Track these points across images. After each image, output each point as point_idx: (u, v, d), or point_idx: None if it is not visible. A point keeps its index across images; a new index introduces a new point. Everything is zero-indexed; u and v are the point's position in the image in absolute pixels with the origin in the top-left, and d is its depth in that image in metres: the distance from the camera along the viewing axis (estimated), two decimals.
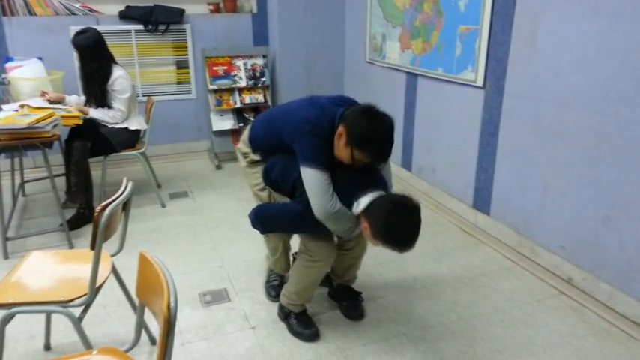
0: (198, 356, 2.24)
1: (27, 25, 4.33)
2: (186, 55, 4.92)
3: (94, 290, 1.88)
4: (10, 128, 2.88)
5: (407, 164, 4.26)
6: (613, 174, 2.44)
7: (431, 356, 2.23)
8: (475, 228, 3.42)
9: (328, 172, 2.03)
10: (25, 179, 4.06)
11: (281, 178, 2.24)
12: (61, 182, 3.82)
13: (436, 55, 3.64)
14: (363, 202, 1.98)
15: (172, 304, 1.32)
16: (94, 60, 3.49)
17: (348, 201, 2.03)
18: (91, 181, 3.62)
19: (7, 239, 3.14)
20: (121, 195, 1.94)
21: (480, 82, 3.24)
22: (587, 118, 2.54)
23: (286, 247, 2.58)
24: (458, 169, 3.59)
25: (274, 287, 2.66)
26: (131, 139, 3.74)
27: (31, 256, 2.16)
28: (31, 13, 4.36)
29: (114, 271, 2.17)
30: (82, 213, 3.51)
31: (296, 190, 2.16)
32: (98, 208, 1.79)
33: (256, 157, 2.38)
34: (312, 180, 2.02)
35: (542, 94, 2.80)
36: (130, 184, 2.04)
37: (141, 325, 1.72)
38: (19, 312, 1.84)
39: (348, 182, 2.05)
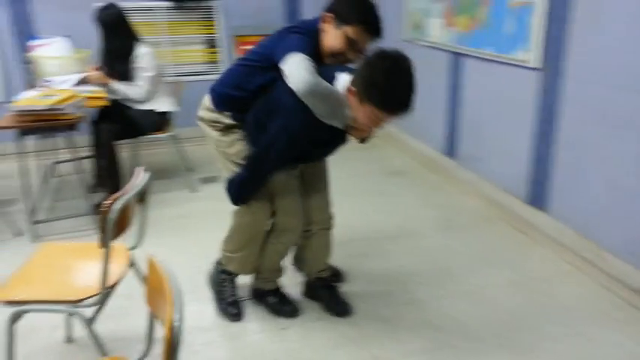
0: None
1: (52, 2, 4.21)
2: (215, 33, 4.71)
3: (105, 291, 1.71)
4: (31, 109, 2.76)
5: (450, 152, 3.94)
6: None
7: None
8: (529, 226, 3.08)
9: (311, 61, 1.84)
10: (58, 160, 3.99)
11: (266, 110, 1.97)
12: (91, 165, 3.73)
13: (484, 32, 3.29)
14: (343, 76, 1.82)
15: (176, 323, 1.12)
16: (117, 36, 3.35)
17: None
18: (119, 164, 3.49)
19: (35, 222, 3.05)
20: (133, 186, 1.76)
21: (534, 63, 2.88)
22: None
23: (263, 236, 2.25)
24: (509, 160, 3.26)
25: (234, 304, 2.33)
26: (160, 121, 3.59)
27: (45, 248, 2.02)
28: None
29: (134, 265, 2.00)
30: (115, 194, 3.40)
31: None
32: (106, 203, 1.61)
33: (228, 120, 2.12)
34: (292, 62, 1.80)
35: (608, 79, 2.43)
36: (145, 174, 1.85)
37: (152, 335, 1.54)
38: (27, 311, 1.69)
39: (328, 71, 1.87)
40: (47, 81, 3.30)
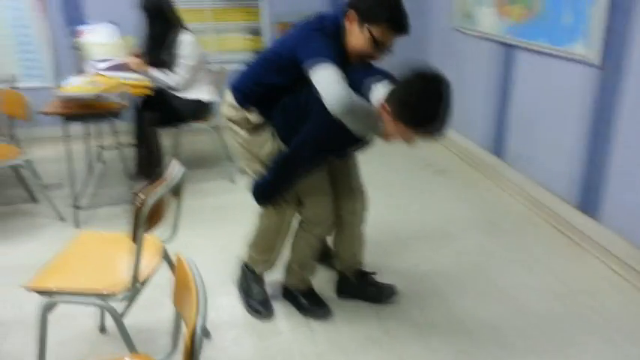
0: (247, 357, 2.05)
1: None
2: (259, 21, 4.68)
3: (136, 285, 1.71)
4: (77, 97, 2.81)
5: (498, 150, 3.78)
6: None
7: None
8: (578, 232, 2.90)
9: (339, 68, 1.79)
10: (102, 146, 4.08)
11: (294, 109, 1.98)
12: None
13: (539, 23, 3.11)
14: (378, 89, 1.77)
15: (198, 330, 1.09)
16: (159, 23, 3.37)
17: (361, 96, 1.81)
18: (161, 152, 3.53)
19: (77, 208, 3.12)
20: (168, 180, 1.75)
21: (593, 59, 2.69)
22: None
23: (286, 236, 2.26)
24: (560, 160, 3.08)
25: (262, 303, 2.30)
26: (201, 109, 3.59)
27: (81, 237, 2.05)
28: None
29: (167, 258, 2.00)
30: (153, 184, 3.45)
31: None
32: (140, 197, 1.60)
33: (255, 119, 2.07)
34: (323, 74, 1.76)
35: None
36: (180, 167, 1.84)
37: (177, 334, 1.53)
38: (58, 301, 1.72)
39: (357, 78, 1.83)
40: (90, 62, 3.35)
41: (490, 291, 2.45)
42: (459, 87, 4.19)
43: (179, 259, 1.36)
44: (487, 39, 3.75)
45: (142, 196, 1.61)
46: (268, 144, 2.06)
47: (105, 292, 1.69)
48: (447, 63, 4.46)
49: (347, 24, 1.92)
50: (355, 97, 1.74)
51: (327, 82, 1.75)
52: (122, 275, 1.75)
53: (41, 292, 1.71)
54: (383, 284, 2.39)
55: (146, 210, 1.61)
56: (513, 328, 2.18)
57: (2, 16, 4.30)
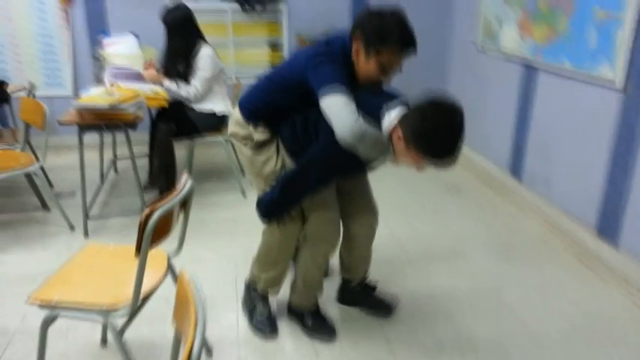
0: None
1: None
2: (281, 36, 4.69)
3: (138, 301, 1.67)
4: (92, 107, 2.81)
5: (516, 172, 3.70)
6: None
7: None
8: (597, 260, 2.81)
9: (350, 95, 1.79)
10: (117, 156, 4.10)
11: (303, 129, 1.97)
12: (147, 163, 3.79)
13: (563, 44, 3.05)
14: (393, 114, 1.75)
15: (195, 347, 1.05)
16: (180, 37, 3.38)
17: (372, 121, 1.80)
18: (175, 163, 3.52)
19: (87, 217, 3.12)
20: (177, 193, 1.73)
21: (618, 83, 2.62)
22: None
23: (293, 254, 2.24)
24: (580, 185, 3.00)
25: (267, 322, 2.24)
26: (216, 122, 3.59)
27: (87, 249, 2.03)
28: None
29: (172, 272, 1.97)
30: (162, 196, 3.45)
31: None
32: (147, 210, 1.58)
33: (260, 136, 2.04)
34: (334, 102, 1.77)
35: None
36: (189, 180, 1.81)
37: (177, 351, 1.49)
38: (60, 315, 1.69)
39: (368, 102, 1.82)
40: (107, 68, 3.37)
41: (500, 312, 2.38)
42: (478, 105, 4.14)
43: (181, 274, 1.33)
44: (508, 58, 3.70)
45: (148, 210, 1.58)
46: (272, 162, 2.05)
47: (106, 307, 1.66)
48: (466, 81, 4.41)
49: (354, 47, 1.89)
50: (365, 125, 1.74)
51: (337, 110, 1.74)
52: (125, 290, 1.72)
53: (43, 305, 1.68)
54: (385, 296, 2.39)
55: (152, 224, 1.58)
56: (519, 347, 2.13)
57: (28, 27, 4.38)
